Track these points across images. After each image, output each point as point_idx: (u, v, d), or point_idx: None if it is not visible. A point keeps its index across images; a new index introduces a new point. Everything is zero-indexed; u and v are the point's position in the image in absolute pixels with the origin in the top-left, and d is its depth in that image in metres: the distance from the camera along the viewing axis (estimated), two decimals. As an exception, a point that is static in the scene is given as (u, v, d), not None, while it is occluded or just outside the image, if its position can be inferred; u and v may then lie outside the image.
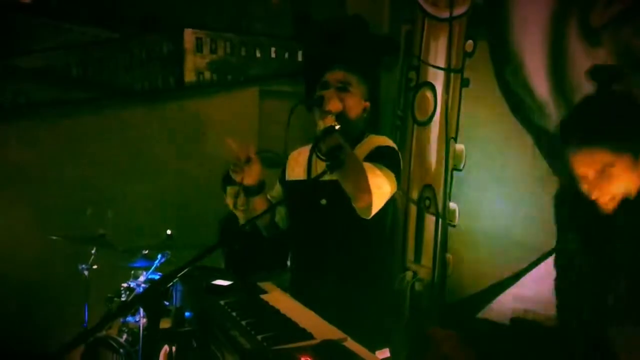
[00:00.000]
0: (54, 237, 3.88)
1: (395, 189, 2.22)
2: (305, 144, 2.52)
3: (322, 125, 2.07)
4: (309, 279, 2.33)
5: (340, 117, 2.15)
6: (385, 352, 2.28)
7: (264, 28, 5.36)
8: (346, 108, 2.24)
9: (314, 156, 2.35)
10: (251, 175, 2.31)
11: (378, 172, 2.12)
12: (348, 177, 2.07)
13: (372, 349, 2.19)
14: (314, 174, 2.36)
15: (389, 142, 2.37)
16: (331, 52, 3.98)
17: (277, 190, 2.58)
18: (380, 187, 2.11)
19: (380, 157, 2.22)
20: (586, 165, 1.58)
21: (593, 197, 1.61)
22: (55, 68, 4.97)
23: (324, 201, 2.25)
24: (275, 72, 5.28)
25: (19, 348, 3.99)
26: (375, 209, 2.11)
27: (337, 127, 2.05)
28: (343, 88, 2.29)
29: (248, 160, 2.30)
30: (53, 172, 4.51)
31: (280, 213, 2.51)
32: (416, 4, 3.93)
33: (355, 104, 2.32)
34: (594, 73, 1.64)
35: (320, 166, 2.30)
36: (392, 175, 2.19)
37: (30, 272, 4.23)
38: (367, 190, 2.06)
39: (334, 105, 2.15)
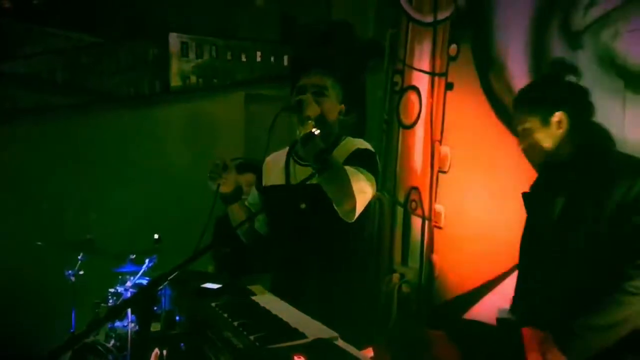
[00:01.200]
0: (39, 243, 3.87)
1: (375, 191, 2.25)
2: (279, 149, 2.53)
3: (302, 130, 2.09)
4: (290, 281, 2.32)
5: (319, 121, 2.17)
6: (369, 352, 2.30)
7: (250, 32, 5.37)
8: (324, 112, 2.25)
9: (292, 161, 2.37)
10: (226, 184, 2.33)
11: (360, 175, 2.14)
12: (332, 182, 2.10)
13: (358, 347, 2.23)
14: (292, 179, 2.36)
15: (366, 145, 2.37)
16: (317, 56, 4.00)
17: (253, 196, 2.57)
18: (363, 191, 2.14)
19: (360, 160, 2.24)
20: (516, 124, 2.18)
21: (521, 146, 2.17)
22: (41, 73, 4.94)
23: (303, 205, 2.25)
24: (261, 76, 5.30)
25: (6, 354, 3.96)
26: (358, 212, 2.15)
27: (317, 132, 2.07)
28: (319, 92, 2.30)
29: (225, 168, 2.31)
30: (39, 177, 4.49)
31: (259, 220, 2.50)
32: (401, 8, 3.97)
33: (332, 108, 2.33)
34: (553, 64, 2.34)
35: (299, 171, 2.32)
36: (373, 177, 2.22)
37: (16, 278, 4.21)
38: (351, 195, 2.09)
39: (313, 110, 2.16)
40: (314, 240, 2.28)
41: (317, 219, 2.23)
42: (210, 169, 2.34)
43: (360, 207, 2.15)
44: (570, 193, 2.04)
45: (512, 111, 2.26)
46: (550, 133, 2.08)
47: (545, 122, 2.08)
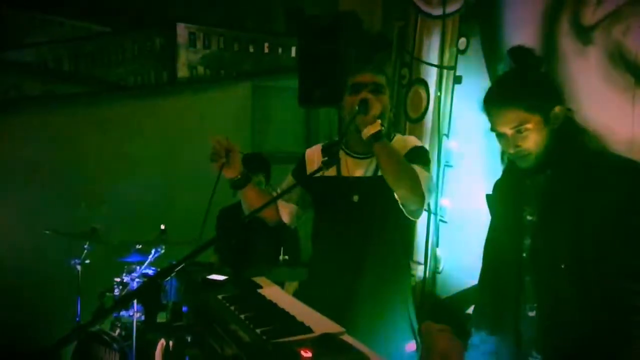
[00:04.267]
0: (47, 232, 3.88)
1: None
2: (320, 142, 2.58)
3: (370, 130, 2.12)
4: (340, 273, 2.29)
5: (381, 118, 2.20)
6: (412, 346, 2.32)
7: (258, 24, 5.35)
8: (384, 109, 2.26)
9: (343, 154, 2.37)
10: (231, 168, 2.31)
11: (427, 174, 2.22)
12: (402, 184, 2.15)
13: (402, 342, 2.27)
14: (344, 171, 2.35)
15: (419, 141, 2.42)
16: (324, 48, 3.99)
17: (289, 185, 2.49)
18: (430, 191, 2.22)
19: (420, 157, 2.28)
20: (505, 124, 1.82)
21: (510, 151, 1.85)
22: (47, 62, 4.93)
23: (356, 197, 2.27)
24: (269, 68, 5.29)
25: (11, 343, 3.98)
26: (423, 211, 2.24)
27: (383, 129, 2.14)
28: (377, 90, 2.29)
29: (228, 151, 2.29)
30: (45, 166, 4.50)
31: (293, 212, 2.47)
32: (409, 1, 3.95)
33: (388, 105, 2.35)
34: (512, 52, 1.93)
35: (352, 164, 2.34)
36: (431, 175, 2.30)
37: (22, 267, 4.23)
38: (422, 193, 2.15)
39: (377, 108, 2.17)
40: (365, 233, 2.28)
41: (369, 211, 2.25)
42: (212, 149, 2.31)
43: (428, 202, 2.23)
44: (552, 196, 1.83)
45: (490, 110, 1.88)
46: (548, 131, 1.81)
47: (547, 119, 1.80)
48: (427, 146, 3.73)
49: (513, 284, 1.89)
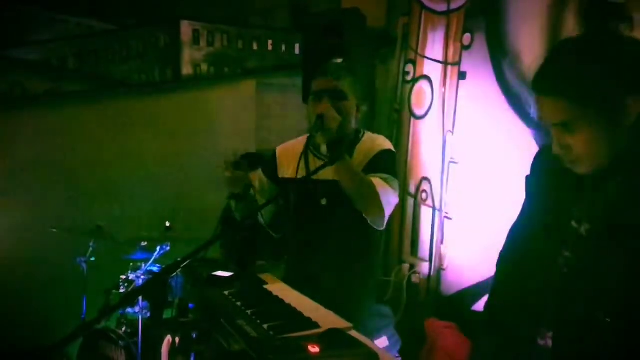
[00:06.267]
0: (52, 230, 3.89)
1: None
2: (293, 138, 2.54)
3: (324, 143, 2.14)
4: (305, 272, 2.33)
5: (340, 127, 2.17)
6: (384, 341, 2.32)
7: (261, 20, 5.35)
8: (344, 116, 2.22)
9: (311, 155, 2.37)
10: (235, 183, 2.36)
11: (387, 187, 2.18)
12: (360, 200, 2.15)
13: (371, 338, 2.24)
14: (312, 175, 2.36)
15: (387, 144, 2.36)
16: (329, 45, 3.98)
17: (263, 182, 2.51)
18: (390, 203, 2.20)
19: (385, 164, 2.25)
20: (550, 117, 1.33)
21: (556, 151, 1.36)
22: (51, 60, 4.94)
23: (324, 201, 2.26)
24: (273, 65, 5.29)
25: (17, 340, 4.00)
26: (385, 222, 2.23)
27: (340, 142, 2.13)
28: (338, 96, 2.25)
29: (237, 165, 2.33)
30: (49, 164, 4.51)
31: (266, 210, 2.47)
32: (414, -4, 3.94)
33: (351, 108, 2.29)
34: (588, 12, 1.36)
35: (318, 165, 2.30)
36: (397, 181, 2.26)
37: (28, 265, 4.24)
38: (380, 206, 2.14)
39: (334, 122, 2.15)
40: (333, 236, 2.29)
41: (337, 214, 2.24)
42: (223, 164, 2.36)
43: (388, 215, 2.21)
44: (617, 212, 1.30)
45: (537, 99, 1.37)
46: (616, 131, 1.28)
47: (614, 114, 1.27)
48: (430, 142, 3.74)
49: (533, 300, 1.46)
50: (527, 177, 1.60)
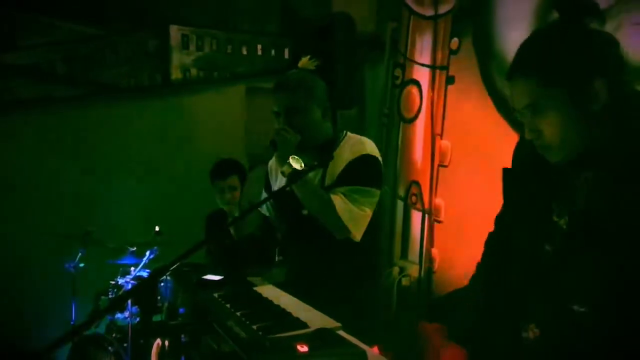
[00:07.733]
0: (41, 235, 3.87)
1: (376, 201, 2.20)
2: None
3: (285, 171, 2.05)
4: (300, 278, 2.33)
5: (302, 141, 2.13)
6: (375, 350, 2.31)
7: (251, 25, 5.36)
8: (304, 130, 2.16)
9: None
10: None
11: (349, 205, 2.09)
12: (323, 219, 2.12)
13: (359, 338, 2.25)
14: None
15: (369, 147, 2.21)
16: (318, 49, 4.00)
17: (262, 195, 2.55)
18: (357, 220, 2.11)
19: (355, 174, 2.14)
20: (519, 100, 1.36)
21: (527, 136, 1.37)
22: (41, 65, 4.93)
23: (305, 212, 2.21)
24: (262, 69, 5.29)
25: (6, 346, 3.97)
26: (360, 235, 2.14)
27: (301, 168, 2.04)
28: (294, 111, 2.17)
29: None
30: (39, 169, 4.48)
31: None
32: (402, 1, 3.97)
33: (312, 120, 2.19)
34: (561, 5, 1.37)
35: None
36: (371, 191, 2.16)
37: (16, 270, 4.21)
38: (342, 226, 2.09)
39: (288, 145, 2.10)
40: (317, 244, 2.25)
41: (317, 225, 2.17)
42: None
43: (359, 230, 2.13)
44: (592, 204, 1.31)
45: (510, 85, 1.41)
46: (586, 115, 1.28)
47: (577, 95, 1.27)
48: (419, 146, 3.77)
49: (514, 298, 1.48)
50: (506, 170, 1.66)
